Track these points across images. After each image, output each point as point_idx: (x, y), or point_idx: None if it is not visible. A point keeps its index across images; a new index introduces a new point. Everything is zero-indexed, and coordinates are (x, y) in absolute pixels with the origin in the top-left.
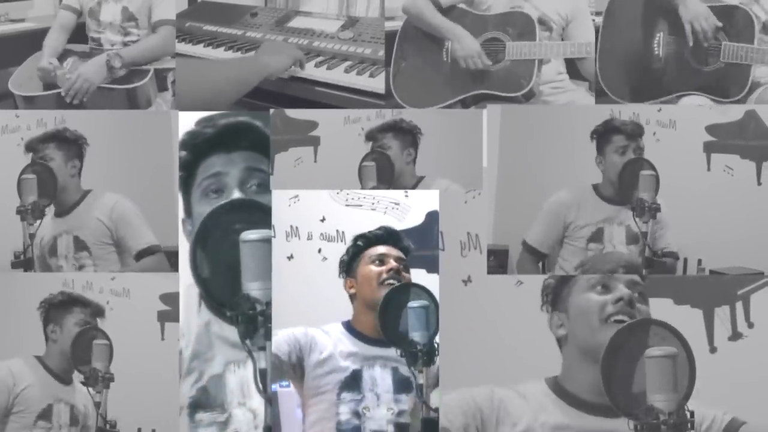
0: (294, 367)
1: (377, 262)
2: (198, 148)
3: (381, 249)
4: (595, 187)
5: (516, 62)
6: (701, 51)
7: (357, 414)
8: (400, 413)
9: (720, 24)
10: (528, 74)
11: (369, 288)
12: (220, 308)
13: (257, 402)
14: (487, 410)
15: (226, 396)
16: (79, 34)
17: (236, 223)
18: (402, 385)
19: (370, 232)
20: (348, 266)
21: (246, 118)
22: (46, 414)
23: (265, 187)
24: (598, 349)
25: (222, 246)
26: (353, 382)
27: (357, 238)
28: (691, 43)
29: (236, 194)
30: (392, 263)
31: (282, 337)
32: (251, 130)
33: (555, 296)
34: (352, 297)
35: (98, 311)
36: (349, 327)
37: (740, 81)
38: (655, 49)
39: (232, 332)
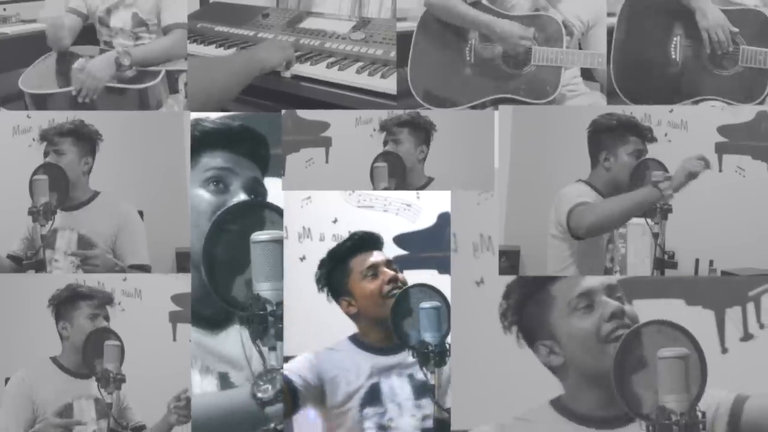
0: (318, 391)
1: (370, 275)
2: (205, 136)
3: (369, 260)
4: (588, 182)
5: (540, 68)
6: (720, 55)
7: (383, 427)
8: (424, 418)
9: (736, 29)
10: (554, 81)
11: (373, 305)
12: (231, 309)
13: None
14: None
15: None
16: (88, 36)
17: (247, 224)
18: (421, 389)
19: (342, 244)
20: (329, 282)
21: (260, 132)
22: (65, 413)
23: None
24: (604, 370)
25: (232, 247)
26: (373, 396)
27: (331, 252)
28: (708, 51)
29: (241, 195)
30: (387, 272)
31: (298, 364)
32: (262, 144)
33: (523, 320)
34: (353, 317)
35: (106, 300)
36: (357, 341)
37: (759, 84)
38: (672, 53)
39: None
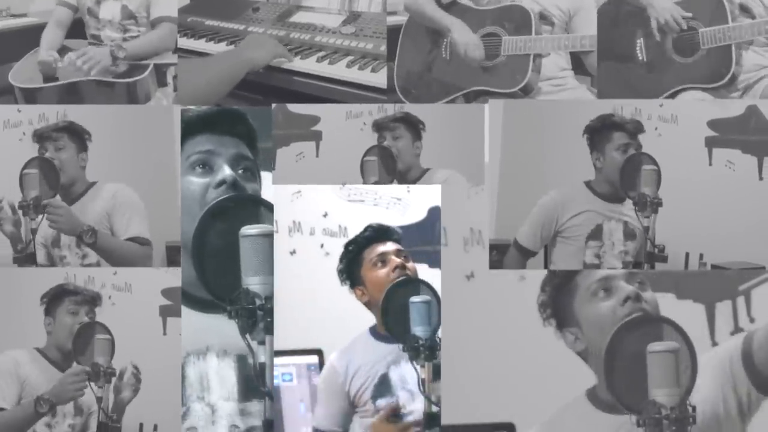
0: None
1: (379, 263)
2: (186, 126)
3: (378, 248)
4: (588, 184)
5: (512, 57)
6: (682, 45)
7: (397, 416)
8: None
9: (688, 14)
10: (523, 69)
11: (380, 293)
12: (220, 303)
13: (216, 396)
14: None
15: (184, 389)
16: (77, 31)
17: (238, 218)
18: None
19: (358, 235)
20: (348, 274)
21: (236, 108)
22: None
23: (252, 174)
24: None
25: (222, 241)
26: (383, 386)
27: (348, 244)
28: (658, 39)
29: (227, 171)
30: (394, 260)
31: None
32: (240, 119)
33: (556, 311)
34: (367, 305)
35: (89, 299)
36: (375, 333)
37: (725, 62)
38: (639, 55)
39: (196, 320)
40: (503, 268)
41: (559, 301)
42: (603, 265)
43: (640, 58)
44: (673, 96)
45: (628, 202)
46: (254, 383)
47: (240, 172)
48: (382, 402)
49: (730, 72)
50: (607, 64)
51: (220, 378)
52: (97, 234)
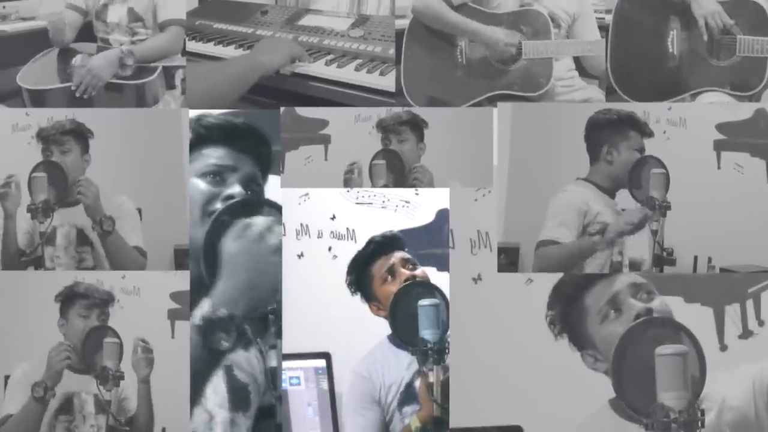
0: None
1: (389, 278)
2: (208, 131)
3: (385, 263)
4: (590, 181)
5: (532, 61)
6: (717, 46)
7: None
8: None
9: (732, 21)
10: (546, 73)
11: None
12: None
13: (212, 403)
14: None
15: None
16: (86, 34)
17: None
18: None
19: (361, 252)
20: (358, 287)
21: (263, 131)
22: (65, 407)
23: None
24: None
25: (233, 244)
26: (408, 393)
27: (354, 260)
28: (705, 38)
29: (237, 188)
30: (403, 272)
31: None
32: (264, 144)
33: (566, 328)
34: (385, 318)
35: (100, 301)
36: (395, 341)
37: (758, 73)
38: (670, 46)
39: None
40: (539, 269)
41: (570, 322)
42: (624, 259)
43: (671, 50)
44: (694, 96)
45: (619, 195)
46: (240, 395)
47: (248, 193)
48: (408, 409)
49: (762, 83)
50: (626, 56)
51: (213, 386)
52: (114, 224)
